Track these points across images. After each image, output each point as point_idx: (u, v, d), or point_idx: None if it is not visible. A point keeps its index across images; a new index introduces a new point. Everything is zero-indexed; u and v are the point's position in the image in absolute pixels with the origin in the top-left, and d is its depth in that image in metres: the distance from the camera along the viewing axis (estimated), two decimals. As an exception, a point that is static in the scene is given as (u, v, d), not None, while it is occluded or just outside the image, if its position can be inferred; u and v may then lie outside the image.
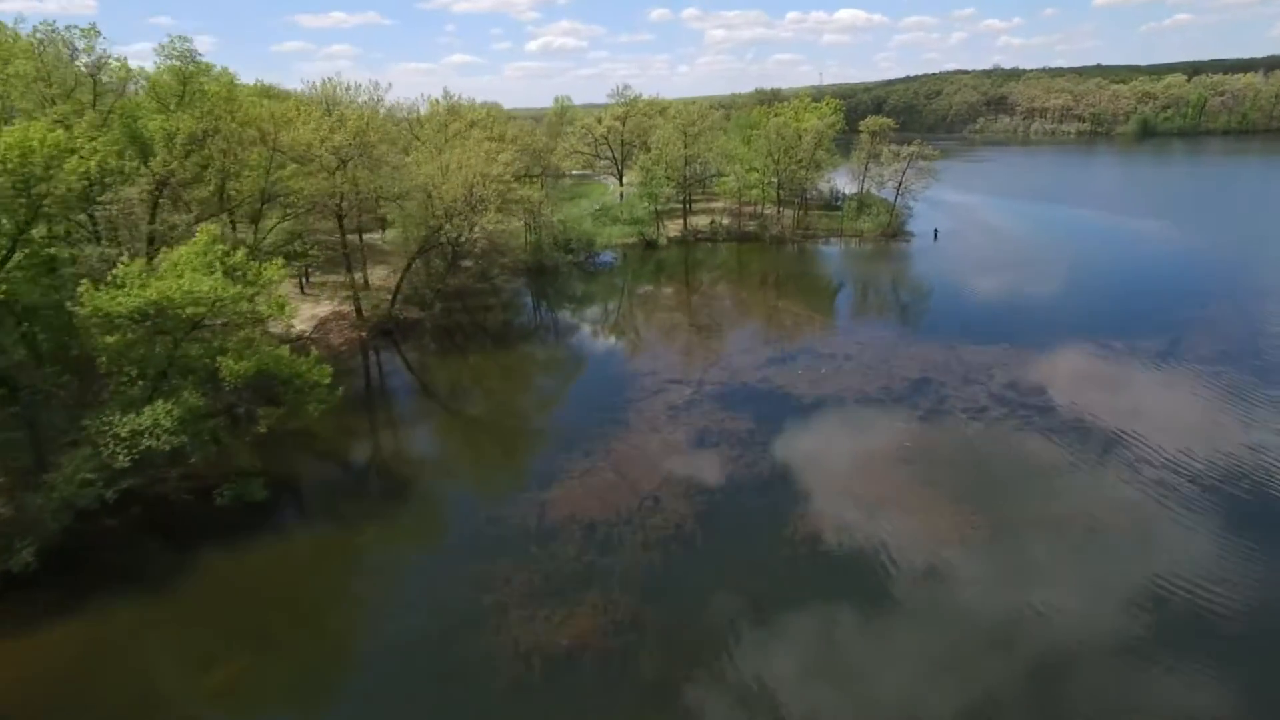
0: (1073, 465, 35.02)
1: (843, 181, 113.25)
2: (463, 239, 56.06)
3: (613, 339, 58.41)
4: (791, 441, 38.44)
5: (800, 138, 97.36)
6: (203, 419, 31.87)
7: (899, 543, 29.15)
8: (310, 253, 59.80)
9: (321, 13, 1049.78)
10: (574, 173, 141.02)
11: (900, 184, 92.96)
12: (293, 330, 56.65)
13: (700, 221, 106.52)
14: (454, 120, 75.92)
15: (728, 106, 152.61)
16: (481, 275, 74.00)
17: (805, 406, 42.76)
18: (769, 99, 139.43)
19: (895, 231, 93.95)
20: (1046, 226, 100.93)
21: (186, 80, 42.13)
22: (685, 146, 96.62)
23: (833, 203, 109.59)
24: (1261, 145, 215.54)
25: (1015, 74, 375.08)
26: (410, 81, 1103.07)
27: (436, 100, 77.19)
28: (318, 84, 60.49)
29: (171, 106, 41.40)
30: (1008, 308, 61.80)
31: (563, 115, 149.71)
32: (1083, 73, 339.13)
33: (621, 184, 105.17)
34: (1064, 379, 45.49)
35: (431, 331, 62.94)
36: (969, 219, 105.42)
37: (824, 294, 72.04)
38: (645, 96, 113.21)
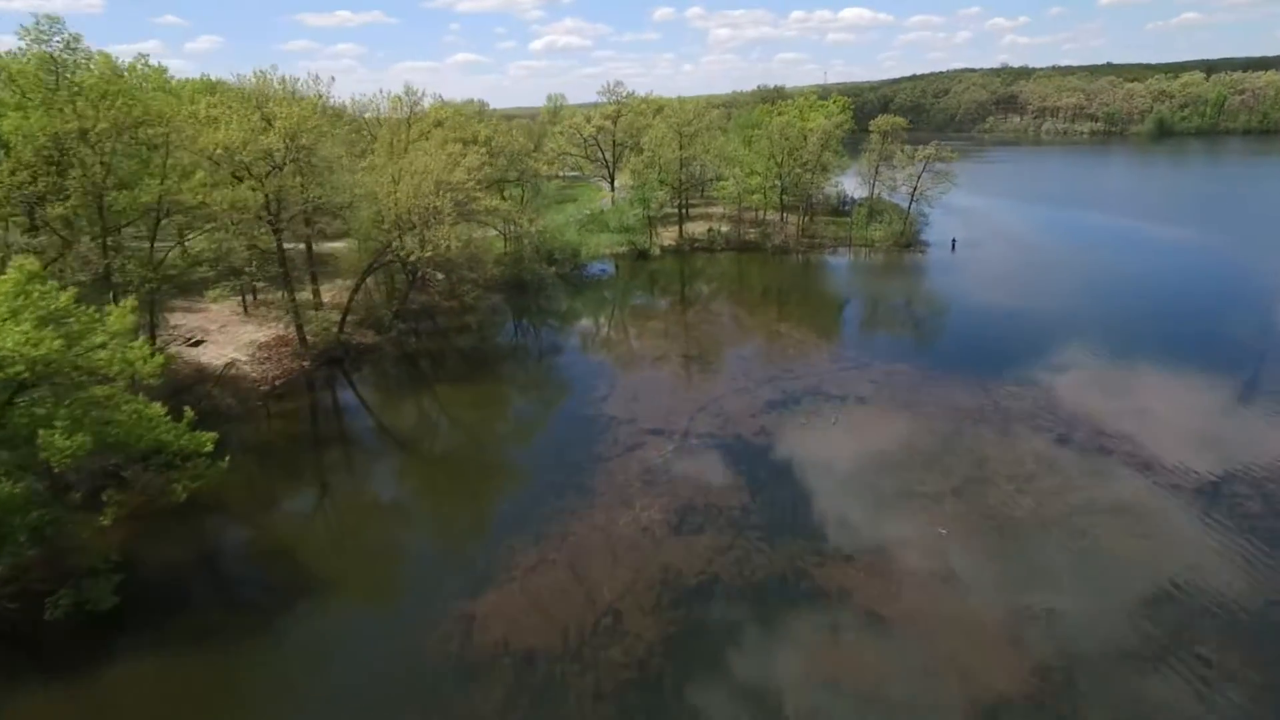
0: (1172, 578, 27.13)
1: (851, 185, 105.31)
2: (413, 258, 48.28)
3: (589, 373, 50.62)
4: (794, 526, 30.66)
5: (805, 139, 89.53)
6: (20, 510, 24.30)
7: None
8: (246, 271, 52.23)
9: (326, 12, 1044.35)
10: (568, 174, 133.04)
11: (915, 189, 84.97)
12: (213, 362, 49.37)
13: (697, 229, 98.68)
14: (418, 120, 68.15)
15: (729, 105, 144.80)
16: (450, 292, 66.31)
17: (812, 471, 34.96)
18: (772, 97, 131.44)
19: (909, 241, 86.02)
20: (1072, 235, 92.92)
21: (59, 71, 34.47)
22: (680, 148, 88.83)
23: (840, 208, 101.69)
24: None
25: (1025, 72, 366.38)
26: (414, 80, 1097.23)
27: (399, 97, 69.32)
28: (252, 77, 52.38)
29: (36, 102, 33.74)
30: (1043, 333, 53.87)
31: (556, 114, 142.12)
32: (1094, 71, 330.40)
33: (613, 188, 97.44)
34: (1127, 428, 37.61)
35: (388, 359, 55.38)
36: (986, 226, 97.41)
37: (832, 315, 64.16)
38: (639, 94, 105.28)
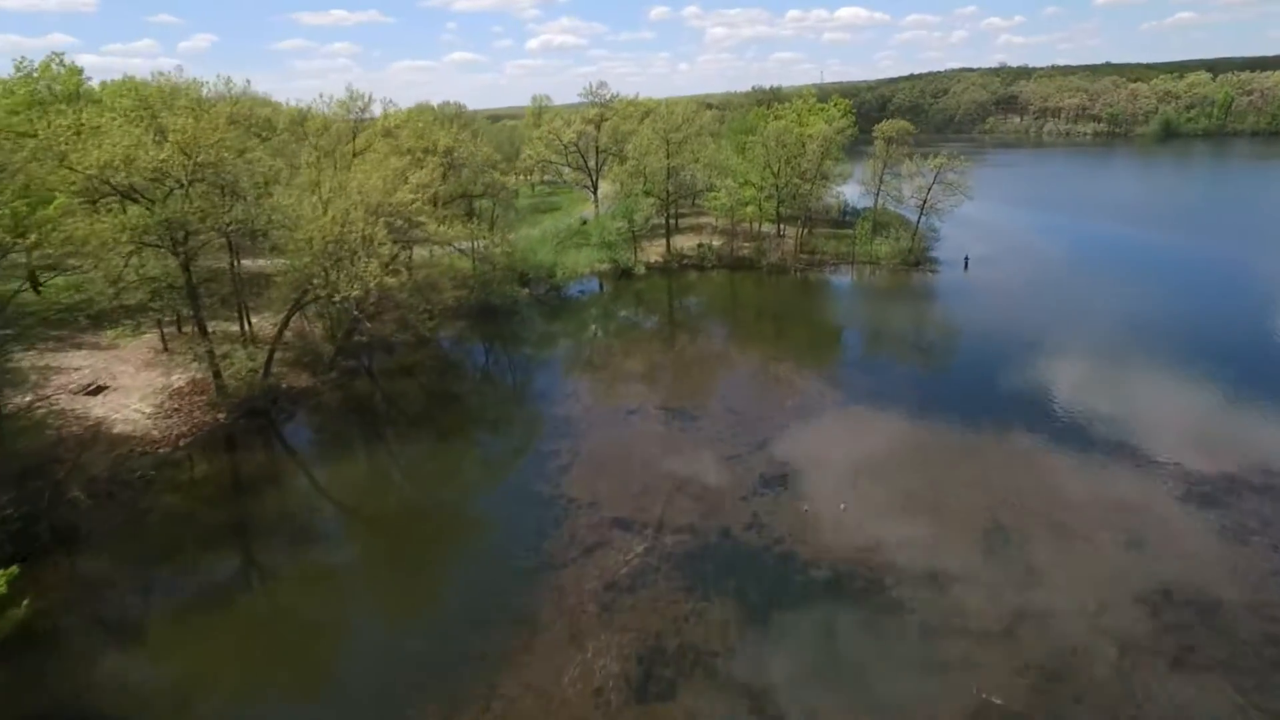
0: None
1: (853, 194, 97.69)
2: (338, 297, 40.57)
3: (550, 430, 42.90)
4: (796, 678, 23.02)
5: (804, 146, 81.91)
6: None
7: None
8: (151, 306, 44.37)
9: (322, 10, 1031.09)
10: (550, 180, 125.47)
11: (925, 201, 77.36)
12: (111, 415, 41.41)
13: (687, 243, 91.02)
14: (365, 127, 60.35)
15: (722, 107, 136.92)
16: (402, 324, 58.52)
17: (816, 588, 27.34)
18: (768, 99, 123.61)
19: (918, 259, 78.44)
20: (1094, 249, 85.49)
21: None
22: (668, 156, 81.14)
23: (842, 220, 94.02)
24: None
25: (1024, 72, 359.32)
26: (410, 80, 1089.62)
27: (344, 101, 61.34)
28: (160, 78, 44.52)
29: None
30: (1087, 377, 46.39)
31: (539, 116, 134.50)
32: (1095, 71, 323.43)
33: (597, 197, 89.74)
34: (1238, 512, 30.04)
35: (324, 408, 47.71)
36: (999, 239, 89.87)
37: (835, 354, 56.50)
38: (624, 95, 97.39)
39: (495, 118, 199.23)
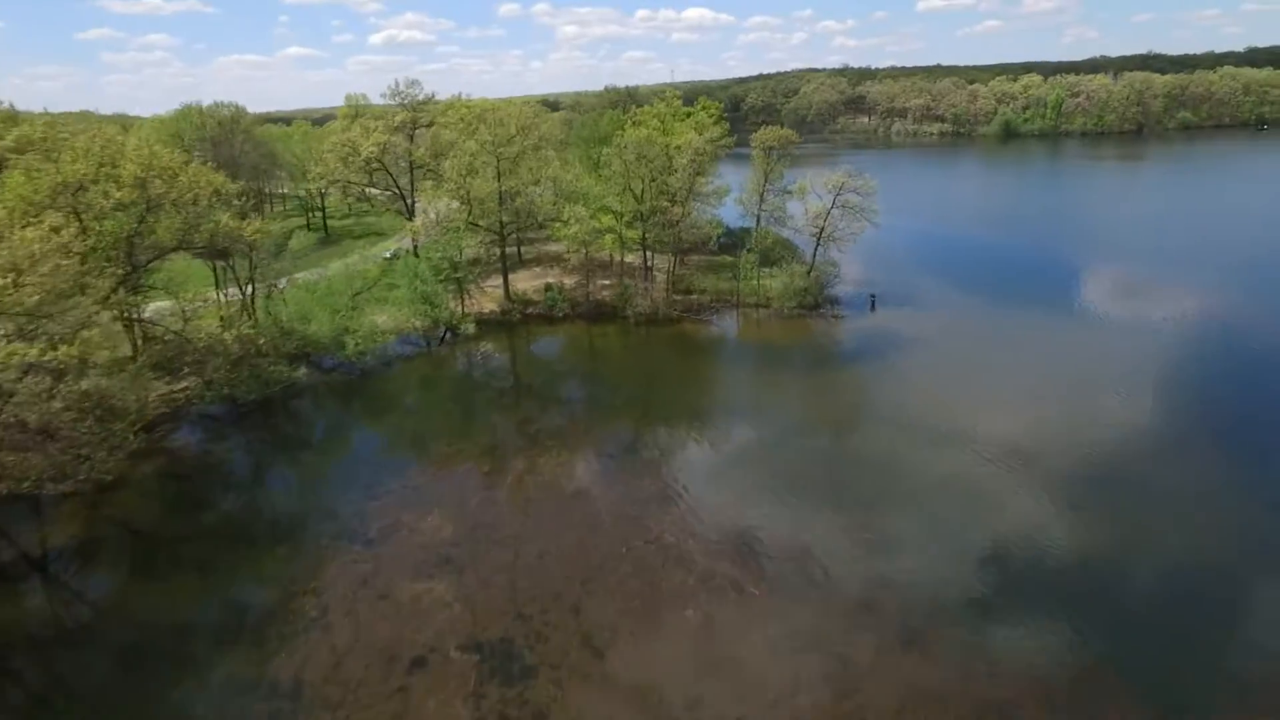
0: None
1: (732, 214, 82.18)
2: None
3: (270, 674, 23.01)
4: None
5: (671, 160, 65.13)
6: None
7: None
8: None
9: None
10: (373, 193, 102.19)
11: (822, 229, 62.48)
12: None
13: (533, 283, 72.06)
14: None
15: (572, 108, 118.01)
16: (69, 443, 36.00)
17: None
18: (623, 100, 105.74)
19: (816, 300, 63.59)
20: (993, 268, 74.57)
21: None
22: (499, 176, 61.81)
23: (722, 245, 77.83)
24: (1119, 148, 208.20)
25: (868, 73, 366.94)
26: (242, 76, 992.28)
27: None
28: None
29: None
30: (1066, 494, 32.15)
31: (355, 119, 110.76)
32: (930, 73, 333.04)
33: (415, 224, 68.24)
34: None
35: None
36: (900, 267, 77.18)
37: (735, 479, 39.39)
38: (443, 95, 76.23)
39: (312, 121, 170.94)
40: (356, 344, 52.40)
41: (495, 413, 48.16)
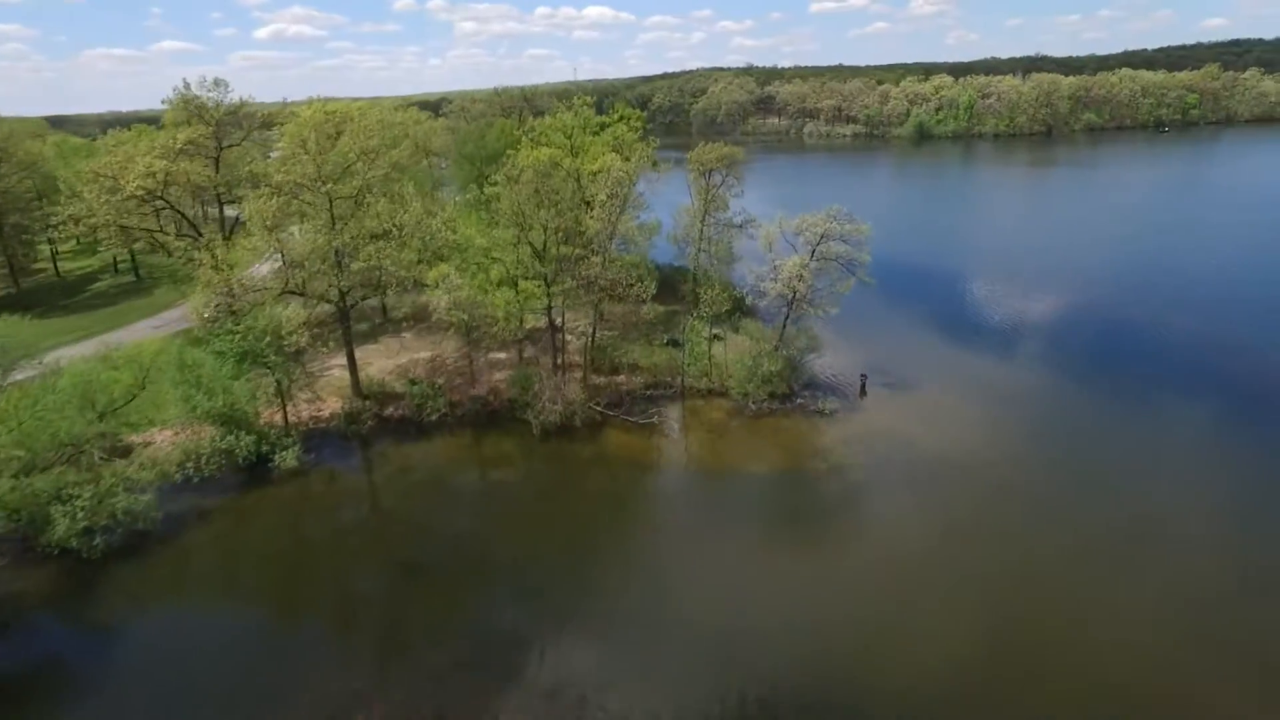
0: None
1: (662, 249, 64.15)
2: None
3: None
4: None
5: (587, 196, 46.70)
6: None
7: None
8: None
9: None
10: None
11: (795, 292, 45.05)
12: None
13: (395, 363, 52.15)
14: None
15: (455, 114, 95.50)
16: None
17: None
18: (517, 107, 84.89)
19: (790, 387, 46.34)
20: (966, 313, 59.82)
21: None
22: (333, 226, 41.64)
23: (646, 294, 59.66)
24: (1031, 151, 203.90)
25: (775, 73, 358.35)
26: (111, 71, 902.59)
27: None
28: None
29: None
30: None
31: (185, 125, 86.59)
32: (839, 73, 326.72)
33: (198, 296, 46.41)
34: None
35: None
36: (884, 324, 61.10)
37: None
38: (252, 98, 53.92)
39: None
40: (78, 517, 31.39)
41: (313, 598, 28.58)
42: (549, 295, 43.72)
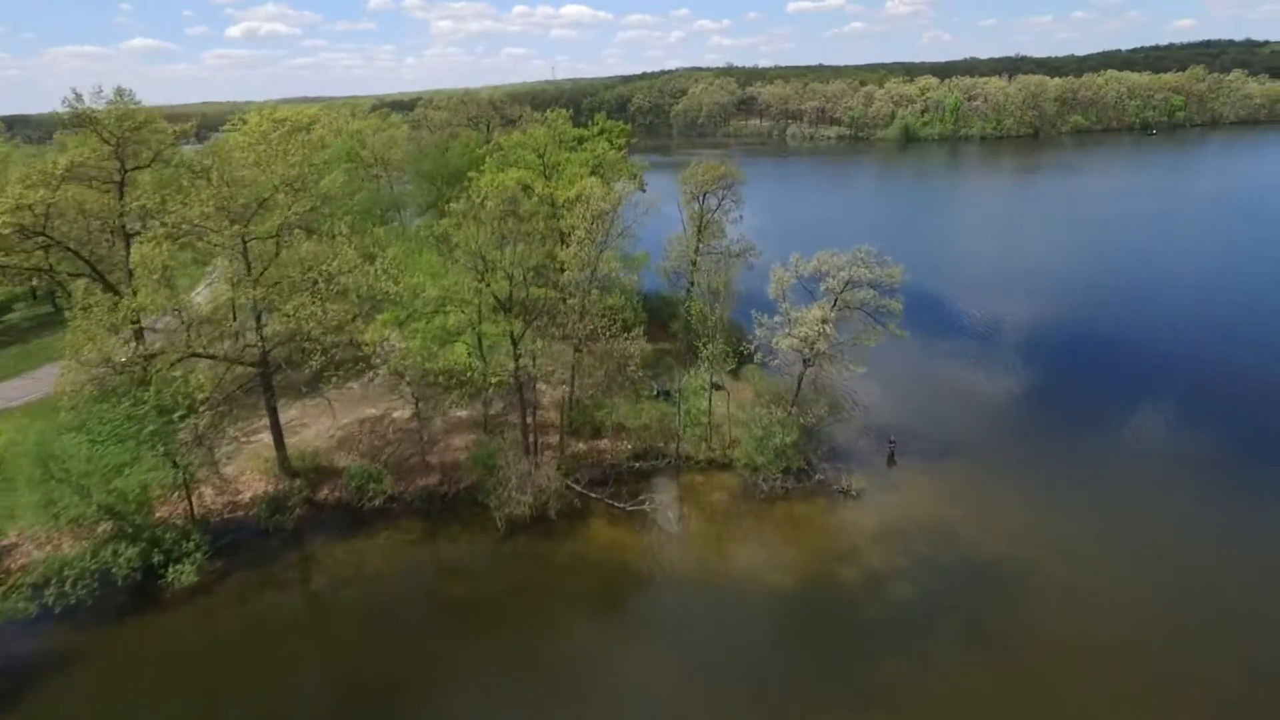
0: None
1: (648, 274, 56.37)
2: None
3: None
4: None
5: (559, 217, 38.88)
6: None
7: None
8: None
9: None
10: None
11: (814, 346, 37.36)
12: None
13: (337, 427, 43.97)
14: None
15: (415, 124, 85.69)
16: None
17: None
18: (484, 116, 75.45)
19: (807, 460, 38.72)
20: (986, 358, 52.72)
21: None
22: (250, 271, 33.40)
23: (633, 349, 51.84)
24: (1017, 156, 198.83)
25: (756, 73, 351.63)
26: (80, 69, 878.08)
27: None
28: None
29: None
30: None
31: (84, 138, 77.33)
32: (819, 73, 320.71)
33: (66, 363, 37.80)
34: None
35: None
36: (888, 350, 53.75)
37: None
38: (135, 99, 44.32)
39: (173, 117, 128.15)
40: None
41: None
42: (516, 356, 35.71)
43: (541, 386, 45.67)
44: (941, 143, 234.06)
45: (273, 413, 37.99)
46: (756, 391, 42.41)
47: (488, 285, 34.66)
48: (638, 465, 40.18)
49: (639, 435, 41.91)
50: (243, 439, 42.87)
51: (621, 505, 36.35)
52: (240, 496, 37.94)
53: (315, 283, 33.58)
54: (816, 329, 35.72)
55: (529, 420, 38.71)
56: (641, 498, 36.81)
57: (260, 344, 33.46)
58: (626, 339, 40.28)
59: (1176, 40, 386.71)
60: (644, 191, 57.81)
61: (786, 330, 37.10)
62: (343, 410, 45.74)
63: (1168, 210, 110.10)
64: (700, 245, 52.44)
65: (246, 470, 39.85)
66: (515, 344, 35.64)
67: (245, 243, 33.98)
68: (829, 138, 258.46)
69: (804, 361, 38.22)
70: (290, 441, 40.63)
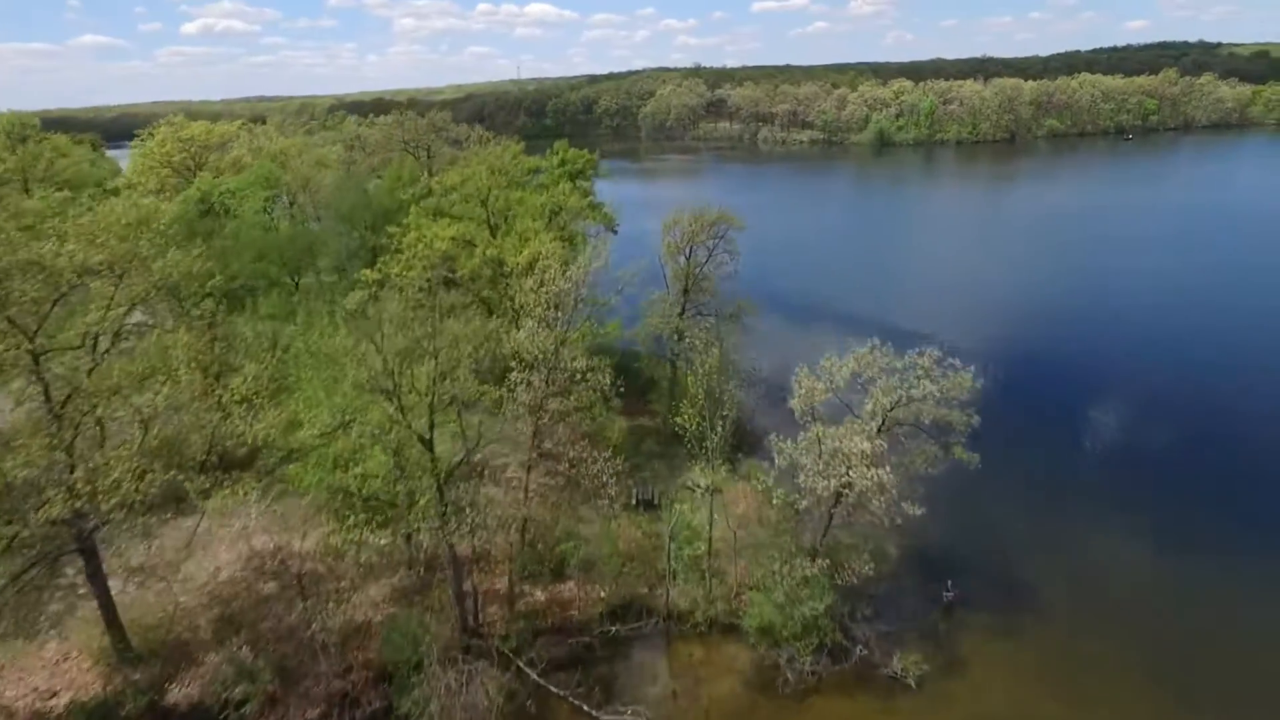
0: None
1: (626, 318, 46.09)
2: None
3: None
4: None
5: (513, 298, 28.82)
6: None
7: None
8: None
9: None
10: None
11: (844, 487, 27.41)
12: None
13: (189, 575, 32.78)
14: None
15: (350, 144, 72.35)
16: None
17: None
18: (423, 140, 62.50)
19: (844, 626, 28.85)
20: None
21: None
22: (47, 403, 22.47)
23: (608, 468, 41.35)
24: (993, 163, 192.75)
25: (724, 74, 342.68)
26: (26, 67, 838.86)
27: None
28: None
29: None
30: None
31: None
32: (789, 74, 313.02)
33: None
34: None
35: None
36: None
37: None
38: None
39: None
40: None
41: None
42: (444, 514, 25.15)
43: (492, 489, 35.21)
44: (917, 147, 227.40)
45: (97, 582, 26.97)
46: (759, 485, 32.26)
47: (403, 416, 24.07)
48: (614, 630, 29.93)
49: (616, 580, 31.71)
50: (82, 589, 31.74)
51: (594, 714, 26.00)
52: (55, 701, 26.92)
53: (142, 422, 22.64)
54: (863, 464, 25.76)
55: (464, 586, 28.15)
56: (625, 709, 26.35)
57: (50, 515, 22.35)
58: (598, 462, 29.99)
59: (1133, 41, 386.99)
60: (615, 233, 47.62)
61: (819, 463, 27.03)
62: (224, 542, 34.73)
63: (1178, 232, 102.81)
64: (687, 305, 42.35)
65: (74, 651, 28.85)
66: (442, 493, 25.08)
67: (37, 358, 22.99)
68: (802, 141, 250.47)
69: (836, 494, 28.30)
70: (135, 608, 29.60)
